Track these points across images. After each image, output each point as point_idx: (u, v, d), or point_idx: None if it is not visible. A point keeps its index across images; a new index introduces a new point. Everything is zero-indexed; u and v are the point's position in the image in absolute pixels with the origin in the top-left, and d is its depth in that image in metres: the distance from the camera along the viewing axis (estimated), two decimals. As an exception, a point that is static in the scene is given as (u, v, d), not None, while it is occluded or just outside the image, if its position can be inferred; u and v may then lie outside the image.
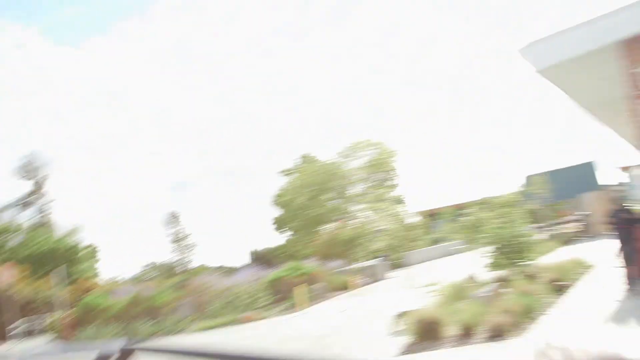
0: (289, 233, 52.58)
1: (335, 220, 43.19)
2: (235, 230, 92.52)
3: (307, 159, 53.48)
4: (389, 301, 18.48)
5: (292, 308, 21.07)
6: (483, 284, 14.83)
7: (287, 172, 57.19)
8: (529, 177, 40.29)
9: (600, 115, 18.28)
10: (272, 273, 24.73)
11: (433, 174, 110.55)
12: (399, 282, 25.83)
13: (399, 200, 57.96)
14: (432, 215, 51.60)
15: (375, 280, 29.53)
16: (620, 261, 12.01)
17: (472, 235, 18.04)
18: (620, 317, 9.46)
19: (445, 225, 32.16)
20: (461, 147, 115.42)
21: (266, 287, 23.14)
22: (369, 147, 49.77)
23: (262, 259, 45.36)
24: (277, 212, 56.22)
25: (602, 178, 47.89)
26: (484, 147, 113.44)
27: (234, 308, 21.33)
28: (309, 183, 46.96)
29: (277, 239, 59.01)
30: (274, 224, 57.79)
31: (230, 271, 30.48)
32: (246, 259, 38.32)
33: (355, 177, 49.62)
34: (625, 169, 71.36)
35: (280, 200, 52.90)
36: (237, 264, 64.47)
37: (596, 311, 10.04)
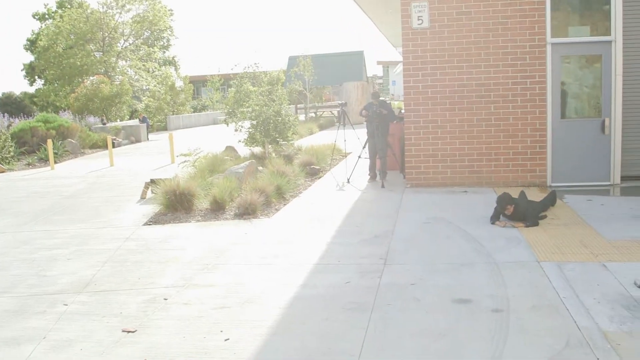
0: (42, 82, 48.42)
1: (97, 74, 40.69)
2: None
3: (64, 3, 48.71)
4: (144, 165, 18.32)
5: (41, 162, 19.95)
6: (240, 159, 15.23)
7: (41, 16, 52.14)
8: (292, 58, 40.76)
9: (369, 9, 19.00)
10: (20, 123, 22.93)
11: (207, 41, 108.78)
12: (159, 145, 25.60)
13: (170, 62, 56.21)
14: (201, 82, 50.91)
15: (135, 142, 29.04)
16: (367, 152, 12.69)
17: (236, 107, 18.26)
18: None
19: (212, 93, 32.15)
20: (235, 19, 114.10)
21: (12, 137, 21.40)
22: (140, 2, 46.71)
23: (9, 105, 41.45)
24: (29, 57, 51.59)
25: (367, 70, 50.59)
26: (256, 22, 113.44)
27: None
28: (68, 30, 43.19)
29: (28, 87, 54.51)
30: (24, 70, 53.10)
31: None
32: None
33: (122, 30, 46.75)
34: (385, 64, 76.13)
35: (34, 46, 48.05)
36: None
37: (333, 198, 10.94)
